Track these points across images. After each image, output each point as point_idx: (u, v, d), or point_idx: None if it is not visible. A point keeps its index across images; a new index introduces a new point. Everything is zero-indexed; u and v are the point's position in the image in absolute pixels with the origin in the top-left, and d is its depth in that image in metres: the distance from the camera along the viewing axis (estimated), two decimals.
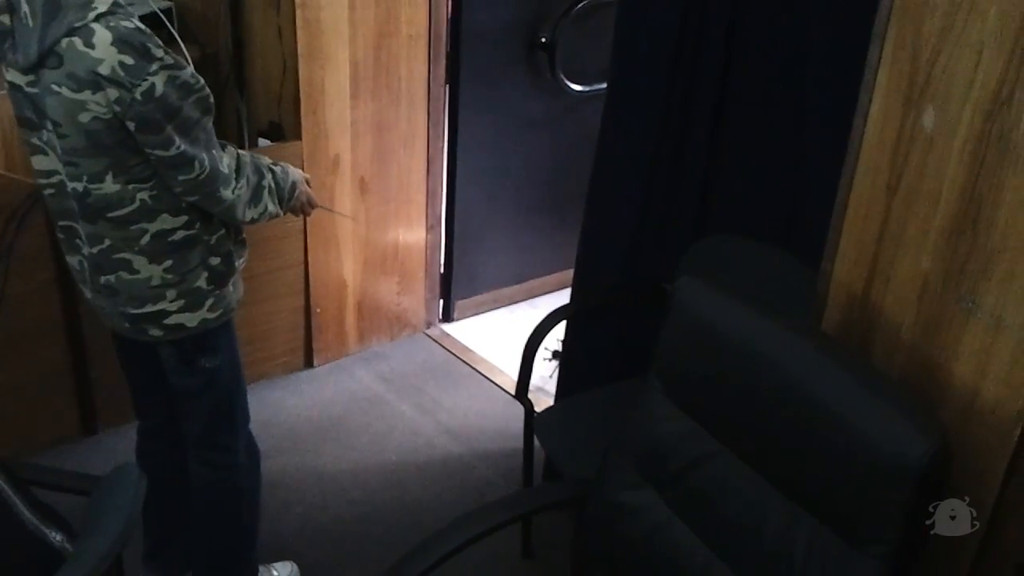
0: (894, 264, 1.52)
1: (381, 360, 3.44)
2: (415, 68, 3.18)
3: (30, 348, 2.74)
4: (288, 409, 3.16)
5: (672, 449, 1.62)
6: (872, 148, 1.52)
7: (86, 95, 1.70)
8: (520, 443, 2.51)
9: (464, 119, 3.40)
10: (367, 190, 3.23)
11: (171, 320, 1.96)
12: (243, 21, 3.05)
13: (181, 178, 1.82)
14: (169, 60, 1.73)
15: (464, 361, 3.46)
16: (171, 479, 2.25)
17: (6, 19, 1.77)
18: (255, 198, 1.98)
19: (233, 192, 1.91)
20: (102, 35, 1.67)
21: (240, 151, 1.98)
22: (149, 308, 1.95)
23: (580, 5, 3.38)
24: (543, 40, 3.41)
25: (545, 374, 3.24)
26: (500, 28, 3.34)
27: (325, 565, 2.56)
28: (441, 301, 3.68)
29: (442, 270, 3.63)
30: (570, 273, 2.72)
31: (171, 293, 1.94)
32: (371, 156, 3.20)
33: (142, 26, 1.73)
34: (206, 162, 1.83)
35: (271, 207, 2.02)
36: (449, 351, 3.52)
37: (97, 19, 1.68)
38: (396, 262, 3.44)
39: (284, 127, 3.06)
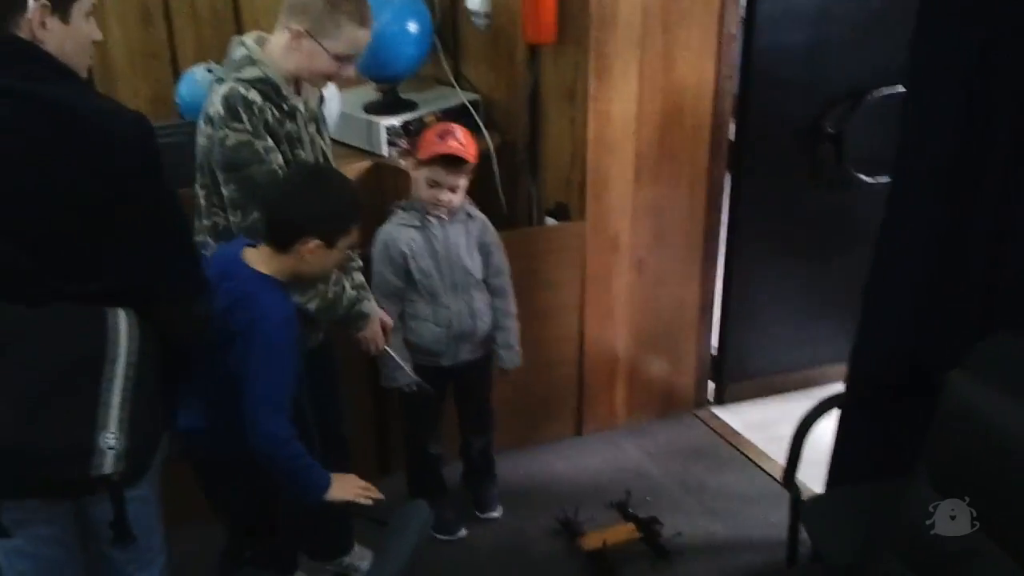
0: None
1: (648, 436, 3.51)
2: (697, 156, 3.30)
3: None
4: (556, 473, 3.31)
5: (938, 542, 1.58)
6: None
7: (202, 124, 2.27)
8: (784, 531, 2.49)
9: (744, 205, 3.47)
10: (643, 270, 3.36)
11: None
12: (540, 112, 3.31)
13: (232, 219, 2.25)
14: (249, 128, 2.16)
15: (732, 445, 3.46)
16: None
17: None
18: (303, 290, 2.27)
19: None
20: (222, 89, 2.20)
21: None
22: None
23: (869, 96, 3.37)
24: (829, 130, 3.42)
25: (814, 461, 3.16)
26: (783, 117, 3.39)
27: None
28: (712, 383, 3.71)
29: (715, 352, 3.67)
30: None
31: None
32: (649, 238, 3.33)
33: (252, 98, 2.17)
34: (250, 218, 2.21)
35: (311, 306, 2.31)
36: (718, 433, 3.53)
37: (235, 80, 2.20)
38: (669, 341, 3.52)
39: (570, 208, 3.28)
